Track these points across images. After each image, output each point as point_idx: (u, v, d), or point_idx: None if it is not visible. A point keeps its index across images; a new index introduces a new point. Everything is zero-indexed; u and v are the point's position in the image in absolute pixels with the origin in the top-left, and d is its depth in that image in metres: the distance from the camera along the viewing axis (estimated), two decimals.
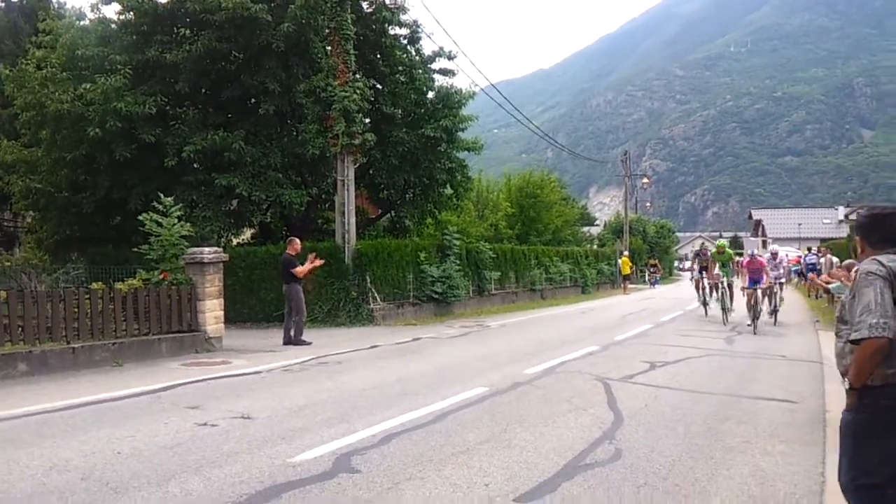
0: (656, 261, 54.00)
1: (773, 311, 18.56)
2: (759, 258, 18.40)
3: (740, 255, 27.43)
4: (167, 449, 6.39)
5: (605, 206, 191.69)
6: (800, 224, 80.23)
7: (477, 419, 7.61)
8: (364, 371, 11.09)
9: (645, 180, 68.67)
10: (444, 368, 11.28)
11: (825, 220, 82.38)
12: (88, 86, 18.13)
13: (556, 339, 15.63)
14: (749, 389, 9.59)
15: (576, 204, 65.15)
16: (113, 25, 20.46)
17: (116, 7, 20.13)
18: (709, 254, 21.09)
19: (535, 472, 5.79)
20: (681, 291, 38.84)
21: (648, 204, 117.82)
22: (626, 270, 42.08)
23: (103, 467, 5.83)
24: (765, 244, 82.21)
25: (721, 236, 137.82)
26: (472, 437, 6.84)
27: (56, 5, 28.07)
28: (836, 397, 9.00)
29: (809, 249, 33.60)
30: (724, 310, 18.82)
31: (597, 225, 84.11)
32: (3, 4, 31.83)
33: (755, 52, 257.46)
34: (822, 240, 53.85)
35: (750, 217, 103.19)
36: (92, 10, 20.33)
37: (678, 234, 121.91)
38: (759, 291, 17.56)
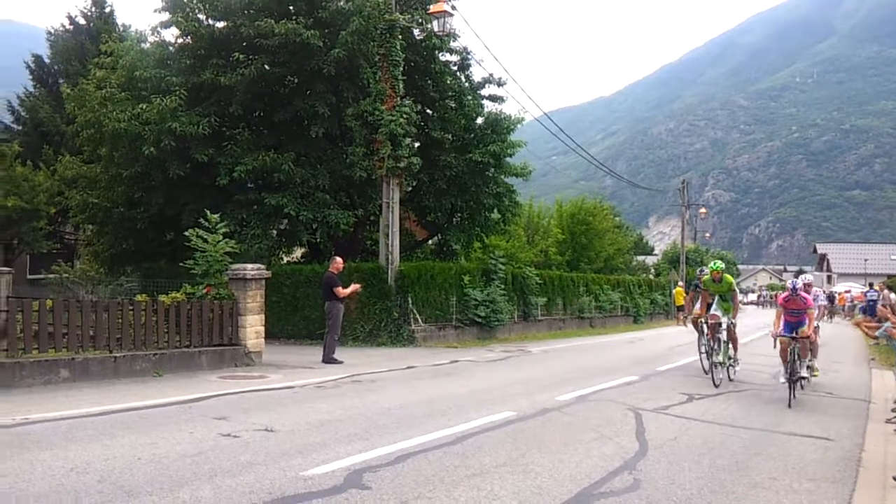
0: None
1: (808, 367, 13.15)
2: (803, 294, 11.86)
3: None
4: (186, 457, 6.49)
5: (665, 235, 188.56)
6: (866, 259, 77.69)
7: (497, 443, 7.54)
8: (395, 391, 11.12)
9: (702, 210, 67.42)
10: (476, 392, 11.22)
11: (893, 257, 79.69)
12: (145, 106, 18.80)
13: (596, 367, 15.41)
14: (786, 426, 9.29)
15: (630, 232, 64.38)
16: (171, 48, 21.27)
17: (175, 31, 20.93)
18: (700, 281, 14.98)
19: (547, 498, 5.71)
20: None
21: (707, 234, 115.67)
22: (680, 301, 41.23)
23: (121, 471, 5.96)
24: (829, 279, 79.92)
25: (786, 270, 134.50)
26: (489, 460, 6.77)
27: (121, 28, 29.24)
28: (876, 437, 8.71)
29: (871, 285, 32.52)
30: (717, 364, 13.15)
31: (655, 255, 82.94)
32: (72, 27, 33.29)
33: (822, 83, 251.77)
34: (889, 276, 52.05)
35: (815, 251, 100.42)
36: (152, 34, 21.22)
37: (741, 266, 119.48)
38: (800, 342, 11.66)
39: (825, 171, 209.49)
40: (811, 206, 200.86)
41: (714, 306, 13.55)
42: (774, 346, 11.89)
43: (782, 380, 11.35)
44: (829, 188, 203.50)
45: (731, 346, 13.33)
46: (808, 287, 13.38)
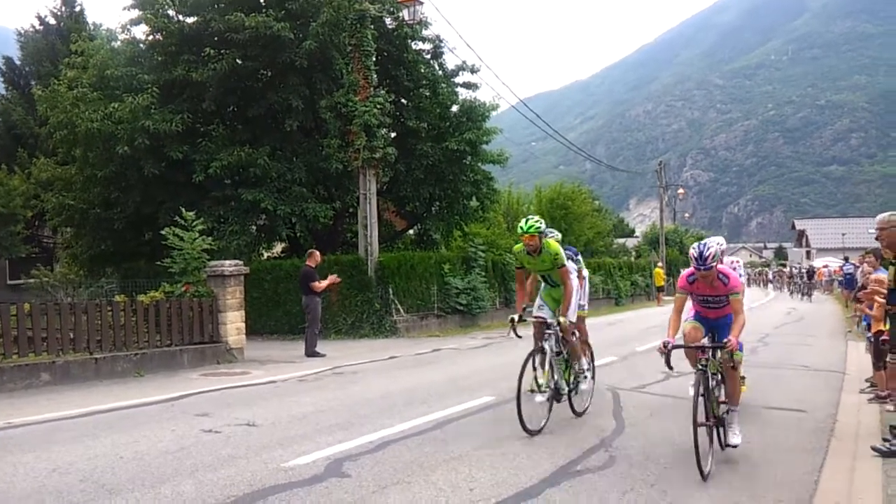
0: None
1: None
2: (720, 268, 6.61)
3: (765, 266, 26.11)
4: (168, 454, 6.56)
5: (646, 217, 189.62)
6: (844, 234, 78.59)
7: (477, 427, 7.67)
8: (376, 381, 11.21)
9: (681, 191, 67.85)
10: (457, 378, 11.35)
11: (870, 230, 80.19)
12: (117, 105, 18.69)
13: None
14: (762, 399, 9.45)
15: (609, 215, 64.73)
16: (141, 46, 21.13)
17: (145, 28, 20.78)
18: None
19: (523, 478, 5.83)
20: None
21: (687, 215, 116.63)
22: (660, 282, 41.67)
23: (103, 470, 6.02)
24: (809, 255, 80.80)
25: (766, 247, 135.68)
26: (468, 444, 6.89)
27: (91, 27, 28.94)
28: (850, 408, 8.91)
29: (846, 259, 32.89)
30: (540, 390, 7.47)
31: (636, 237, 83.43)
32: (42, 27, 32.91)
33: (796, 60, 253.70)
34: (867, 250, 52.63)
35: (793, 227, 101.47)
36: (122, 31, 21.07)
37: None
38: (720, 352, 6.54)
39: (802, 148, 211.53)
40: (789, 183, 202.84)
41: (539, 298, 8.39)
42: (669, 366, 6.34)
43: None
44: (807, 164, 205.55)
45: (573, 357, 8.17)
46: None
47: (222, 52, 19.70)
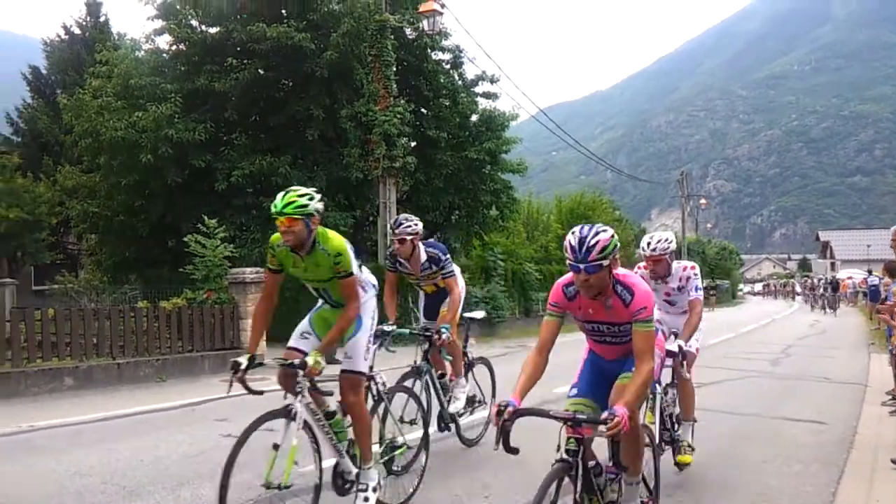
0: (716, 283, 52.84)
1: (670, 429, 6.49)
2: (621, 274, 4.18)
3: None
4: (187, 458, 6.65)
5: (668, 227, 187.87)
6: (869, 245, 77.56)
7: (492, 435, 7.66)
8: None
9: (703, 201, 67.54)
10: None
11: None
12: (141, 114, 18.93)
13: None
14: (781, 411, 9.41)
15: (631, 225, 64.42)
16: (165, 56, 21.41)
17: (168, 38, 21.06)
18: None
19: (538, 485, 5.83)
20: (737, 315, 38.07)
21: (710, 225, 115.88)
22: None
23: (123, 473, 6.12)
24: (833, 266, 79.94)
25: (790, 258, 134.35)
26: (484, 452, 6.92)
27: (116, 36, 29.37)
28: (871, 420, 8.82)
29: (870, 272, 32.46)
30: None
31: None
32: (67, 37, 33.44)
33: (820, 70, 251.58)
34: (891, 260, 51.90)
35: (817, 239, 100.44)
36: (146, 41, 21.36)
37: (744, 255, 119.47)
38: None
39: (826, 159, 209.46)
40: (813, 194, 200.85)
41: (307, 323, 6.16)
42: (507, 448, 4.02)
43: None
44: (831, 175, 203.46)
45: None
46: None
47: (244, 62, 19.93)
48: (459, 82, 23.16)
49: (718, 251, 68.98)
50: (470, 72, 23.85)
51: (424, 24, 20.01)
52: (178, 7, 20.49)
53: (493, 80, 23.29)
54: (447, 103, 22.50)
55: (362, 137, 19.51)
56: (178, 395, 10.40)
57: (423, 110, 22.54)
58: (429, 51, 22.08)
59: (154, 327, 12.50)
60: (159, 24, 20.96)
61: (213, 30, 20.97)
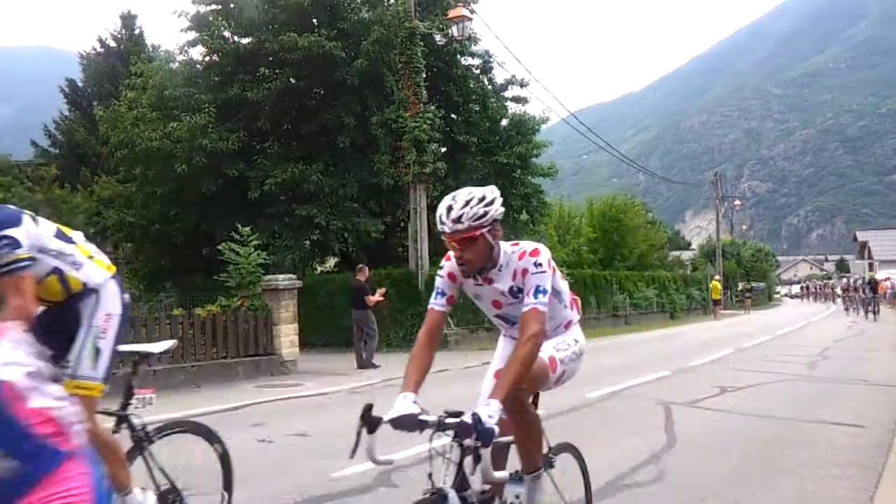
0: (751, 285, 52.15)
1: None
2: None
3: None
4: None
5: (702, 229, 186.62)
6: None
7: None
8: (426, 393, 11.21)
9: (737, 202, 66.76)
10: None
11: None
12: (176, 124, 19.28)
13: (628, 364, 15.41)
14: (818, 414, 9.23)
15: (663, 228, 63.85)
16: (198, 67, 21.81)
17: (201, 49, 21.42)
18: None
19: (570, 491, 5.80)
20: (773, 317, 37.56)
21: (745, 226, 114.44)
22: (717, 295, 40.90)
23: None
24: (871, 266, 78.40)
25: (826, 259, 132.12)
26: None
27: (150, 48, 29.92)
28: None
29: None
30: None
31: (691, 249, 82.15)
32: (102, 50, 34.10)
33: (855, 67, 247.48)
34: None
35: (855, 239, 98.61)
36: (180, 53, 21.77)
37: (780, 257, 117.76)
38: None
39: (863, 157, 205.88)
40: (850, 194, 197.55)
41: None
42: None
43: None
44: (868, 174, 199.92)
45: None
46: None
47: (276, 71, 20.20)
48: (489, 87, 23.23)
49: (754, 253, 68.11)
50: (499, 76, 23.99)
51: (454, 30, 20.08)
52: (210, 19, 20.84)
53: (522, 84, 23.33)
54: (477, 108, 22.55)
55: (393, 144, 19.64)
56: (214, 402, 10.52)
57: (452, 116, 22.61)
58: (458, 56, 22.18)
59: (189, 334, 12.68)
60: (192, 35, 21.33)
61: (245, 40, 21.27)
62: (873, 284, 35.10)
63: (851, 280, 42.94)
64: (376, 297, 15.49)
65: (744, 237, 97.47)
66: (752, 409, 9.52)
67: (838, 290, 51.13)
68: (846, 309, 37.97)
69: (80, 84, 34.83)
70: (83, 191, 28.03)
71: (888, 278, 47.08)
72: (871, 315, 31.00)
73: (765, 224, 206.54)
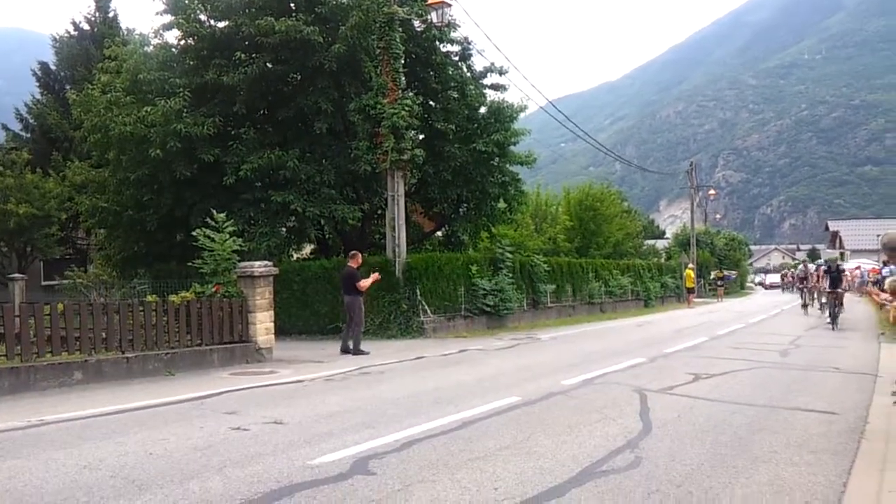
0: (723, 273, 52.65)
1: None
2: None
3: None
4: (196, 450, 6.65)
5: (677, 218, 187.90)
6: (878, 235, 76.85)
7: (502, 427, 7.66)
8: (403, 381, 11.27)
9: (711, 192, 67.32)
10: (483, 379, 11.35)
11: None
12: (150, 108, 19.00)
13: (603, 351, 15.50)
14: (791, 401, 9.34)
15: (639, 216, 64.28)
16: (174, 50, 21.47)
17: (177, 33, 21.08)
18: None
19: (548, 477, 5.82)
20: (746, 305, 37.98)
21: (718, 216, 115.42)
22: (690, 283, 41.29)
23: (133, 466, 6.12)
24: (843, 256, 79.51)
25: (798, 249, 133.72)
26: (493, 443, 6.89)
27: (125, 32, 29.46)
28: (881, 410, 8.75)
29: (885, 262, 31.94)
30: None
31: (666, 238, 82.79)
32: (76, 33, 33.54)
33: (830, 59, 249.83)
34: None
35: (827, 228, 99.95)
36: (155, 36, 21.41)
37: (753, 246, 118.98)
38: None
39: (836, 148, 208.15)
40: (823, 184, 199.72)
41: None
42: None
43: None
44: (841, 165, 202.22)
45: None
46: None
47: (253, 55, 19.94)
48: (468, 74, 23.14)
49: (727, 242, 68.73)
50: (478, 64, 23.95)
51: (433, 17, 19.95)
52: (186, 2, 20.51)
53: (501, 72, 23.26)
54: (455, 95, 22.46)
55: (370, 130, 19.50)
56: (187, 389, 10.43)
57: (431, 103, 22.50)
58: (437, 43, 22.03)
59: (163, 321, 12.54)
60: (168, 18, 21.02)
61: (221, 24, 21.00)
62: (835, 275, 22.90)
63: (812, 267, 32.46)
64: (368, 282, 15.50)
65: (718, 226, 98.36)
66: (725, 396, 9.61)
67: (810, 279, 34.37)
68: (804, 305, 29.19)
69: (52, 67, 34.25)
70: (55, 176, 27.62)
71: (858, 267, 47.80)
72: (828, 318, 21.61)
73: (738, 213, 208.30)
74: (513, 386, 10.36)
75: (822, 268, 25.73)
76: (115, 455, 6.51)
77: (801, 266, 39.11)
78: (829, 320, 21.29)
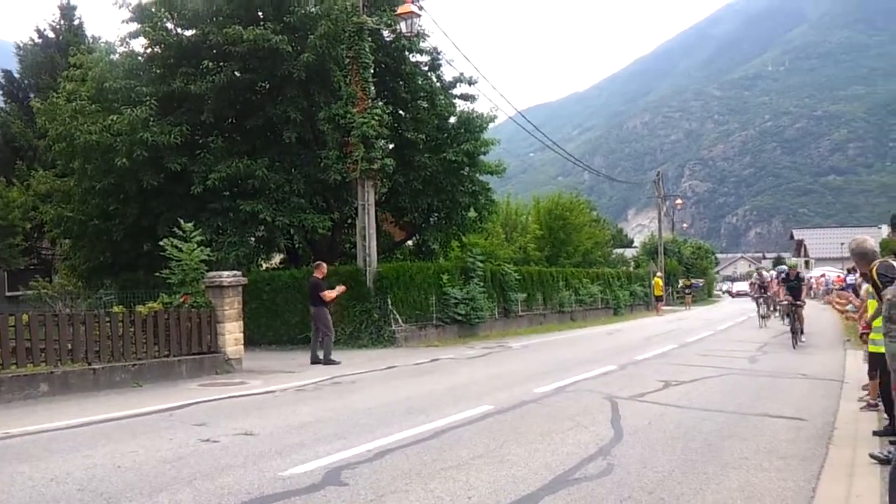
0: (690, 281, 53.22)
1: None
2: None
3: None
4: (166, 463, 6.56)
5: (645, 227, 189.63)
6: (842, 243, 78.34)
7: (474, 436, 7.66)
8: (375, 391, 11.22)
9: (678, 201, 68.13)
10: (455, 388, 11.34)
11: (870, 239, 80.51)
12: (116, 117, 18.78)
13: (574, 359, 15.57)
14: (760, 407, 9.46)
15: (607, 226, 64.85)
16: (140, 59, 21.23)
17: (143, 41, 20.89)
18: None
19: (521, 486, 5.83)
20: (714, 313, 38.41)
21: (685, 225, 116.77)
22: (659, 291, 41.69)
23: (101, 479, 6.02)
24: (807, 264, 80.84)
25: (764, 257, 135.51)
26: (466, 452, 6.89)
27: (90, 40, 29.10)
28: (848, 416, 8.90)
29: (850, 270, 32.32)
30: None
31: (634, 247, 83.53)
32: (41, 41, 33.04)
33: (794, 70, 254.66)
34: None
35: (791, 237, 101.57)
36: (121, 44, 21.19)
37: (719, 255, 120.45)
38: None
39: (800, 158, 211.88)
40: (787, 193, 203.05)
41: None
42: None
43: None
44: (805, 175, 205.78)
45: None
46: None
47: (221, 64, 19.79)
48: (437, 84, 23.20)
49: (694, 250, 69.57)
50: (448, 74, 24.00)
51: (402, 26, 19.98)
52: (153, 10, 20.30)
53: (470, 82, 23.41)
54: (425, 105, 22.52)
55: (340, 140, 19.45)
56: (155, 401, 10.28)
57: (400, 112, 22.52)
58: (406, 53, 22.08)
59: (130, 332, 12.36)
60: (134, 26, 20.79)
61: (188, 32, 20.84)
62: (794, 283, 19.70)
63: (771, 275, 28.99)
64: (334, 293, 15.46)
65: (685, 235, 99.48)
66: (695, 403, 9.72)
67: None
68: (763, 317, 25.47)
69: (16, 75, 33.69)
70: (19, 185, 27.13)
71: (823, 275, 48.59)
72: (789, 332, 18.53)
73: (705, 222, 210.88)
74: (485, 395, 10.36)
75: (780, 276, 22.19)
76: (83, 468, 6.40)
77: (755, 274, 36.32)
78: (790, 338, 17.98)
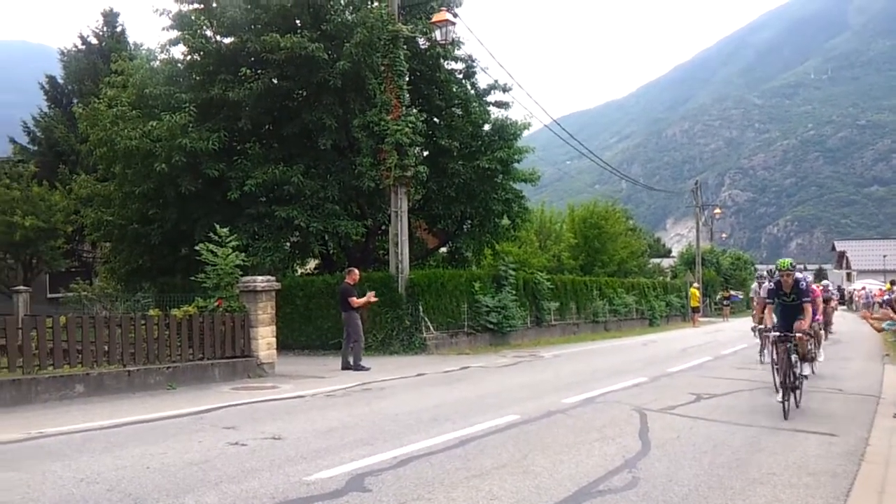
0: (729, 293, 52.41)
1: None
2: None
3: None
4: (193, 465, 6.65)
5: (683, 237, 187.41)
6: (885, 255, 76.95)
7: (500, 445, 7.64)
8: (403, 397, 11.26)
9: (717, 210, 67.27)
10: (484, 396, 11.33)
11: None
12: (156, 123, 19.12)
13: (606, 370, 15.45)
14: (792, 423, 9.28)
15: (644, 235, 64.22)
16: (180, 65, 21.59)
17: (183, 48, 21.22)
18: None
19: (545, 496, 5.80)
20: (751, 325, 37.79)
21: (724, 235, 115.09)
22: (695, 302, 41.15)
23: (130, 480, 6.13)
24: (849, 276, 79.22)
25: (805, 268, 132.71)
26: (490, 462, 6.88)
27: (132, 46, 29.72)
28: (883, 432, 8.70)
29: (893, 283, 31.47)
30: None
31: (672, 257, 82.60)
32: (84, 47, 33.83)
33: (836, 79, 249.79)
34: None
35: (833, 249, 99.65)
36: (161, 51, 21.55)
37: (759, 265, 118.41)
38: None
39: (842, 168, 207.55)
40: (829, 204, 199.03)
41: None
42: None
43: None
44: (847, 185, 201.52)
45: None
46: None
47: (258, 71, 20.10)
48: (472, 91, 23.23)
49: (733, 261, 68.51)
50: (482, 81, 23.99)
51: (437, 34, 20.08)
52: (192, 18, 20.66)
53: (505, 89, 23.36)
54: (459, 112, 22.57)
55: (374, 147, 19.58)
56: (188, 403, 10.44)
57: (435, 119, 22.61)
58: (441, 60, 22.16)
59: (165, 335, 12.58)
60: (174, 34, 21.16)
61: (227, 40, 21.15)
62: (791, 301, 10.57)
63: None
64: (363, 300, 15.58)
65: (724, 245, 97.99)
66: (726, 417, 9.57)
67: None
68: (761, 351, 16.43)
69: (60, 81, 34.54)
70: (61, 189, 27.80)
71: (864, 288, 47.56)
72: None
73: (744, 233, 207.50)
74: (513, 404, 10.33)
75: (765, 285, 12.77)
76: (113, 468, 6.52)
77: (754, 284, 23.76)
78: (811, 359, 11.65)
